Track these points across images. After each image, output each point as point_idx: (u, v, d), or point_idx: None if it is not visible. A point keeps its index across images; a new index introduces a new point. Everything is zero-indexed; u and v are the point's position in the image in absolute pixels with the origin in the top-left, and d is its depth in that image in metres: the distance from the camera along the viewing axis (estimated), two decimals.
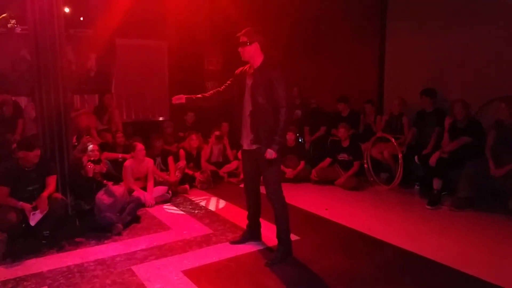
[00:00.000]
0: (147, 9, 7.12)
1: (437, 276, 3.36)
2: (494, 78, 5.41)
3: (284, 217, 3.61)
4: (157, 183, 5.49)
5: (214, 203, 5.36)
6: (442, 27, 5.96)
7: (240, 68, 3.72)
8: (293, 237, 3.78)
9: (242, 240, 3.95)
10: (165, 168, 5.93)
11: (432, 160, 5.09)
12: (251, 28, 3.53)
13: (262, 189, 3.81)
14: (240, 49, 3.54)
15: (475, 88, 5.54)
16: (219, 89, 3.84)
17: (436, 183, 5.12)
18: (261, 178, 3.73)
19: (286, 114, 3.41)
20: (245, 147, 3.67)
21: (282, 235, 3.64)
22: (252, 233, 3.98)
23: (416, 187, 5.80)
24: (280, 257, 3.58)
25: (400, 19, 6.57)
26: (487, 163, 4.84)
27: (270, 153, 3.40)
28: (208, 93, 3.89)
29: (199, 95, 3.86)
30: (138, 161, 5.34)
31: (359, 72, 7.23)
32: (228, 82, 3.81)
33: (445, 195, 5.16)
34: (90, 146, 4.83)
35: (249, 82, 3.55)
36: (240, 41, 3.51)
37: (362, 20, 7.13)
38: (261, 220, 4.00)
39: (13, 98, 6.12)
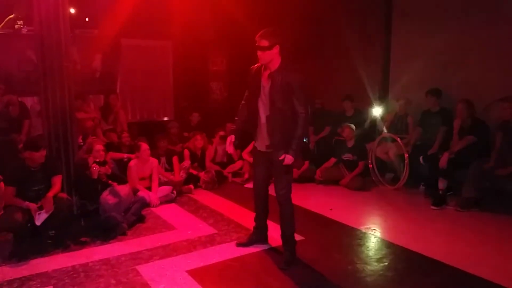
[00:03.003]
0: (152, 9, 7.14)
1: (442, 276, 3.35)
2: (499, 77, 5.37)
3: (291, 219, 3.62)
4: (161, 183, 5.51)
5: (218, 203, 5.37)
6: (447, 27, 5.92)
7: (254, 67, 3.56)
8: (298, 237, 3.77)
9: (249, 243, 3.92)
10: (169, 168, 5.94)
11: (443, 163, 5.04)
12: (269, 30, 3.37)
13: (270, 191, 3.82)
14: (259, 53, 3.35)
15: (480, 88, 5.50)
16: (243, 102, 3.71)
17: (442, 183, 5.10)
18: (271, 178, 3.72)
19: (304, 120, 3.35)
20: (261, 149, 3.61)
21: (288, 236, 3.64)
22: (259, 236, 3.96)
23: (421, 187, 5.77)
24: (291, 257, 3.58)
25: (405, 19, 6.54)
26: (492, 163, 4.81)
27: (288, 159, 3.35)
28: (239, 114, 3.72)
29: (237, 119, 3.73)
30: (143, 161, 5.35)
31: (364, 72, 7.19)
32: (246, 93, 3.69)
33: (450, 195, 5.13)
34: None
35: (265, 84, 3.43)
36: (261, 45, 3.31)
37: (367, 19, 7.10)
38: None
39: (19, 99, 6.15)
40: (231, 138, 3.65)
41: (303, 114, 3.35)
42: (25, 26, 6.42)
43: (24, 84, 6.56)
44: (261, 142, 3.58)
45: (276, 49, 3.34)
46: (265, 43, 3.31)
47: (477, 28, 5.60)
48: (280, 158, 3.38)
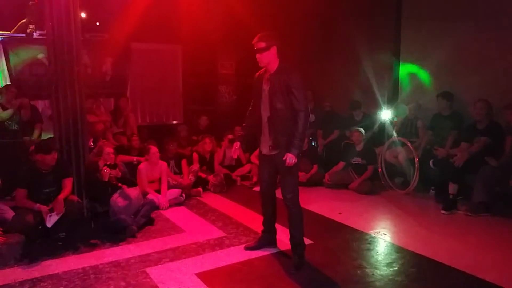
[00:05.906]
0: (162, 13, 7.19)
1: (453, 281, 3.32)
2: (510, 80, 5.32)
3: (300, 222, 3.61)
4: (170, 186, 5.53)
5: (227, 206, 5.37)
6: (458, 29, 5.87)
7: (257, 74, 3.68)
8: (307, 241, 3.76)
9: (257, 246, 3.92)
10: (178, 171, 5.97)
11: (459, 160, 4.96)
12: (266, 33, 3.47)
13: (277, 194, 3.80)
14: (258, 56, 3.46)
15: (492, 92, 5.44)
16: (250, 109, 3.78)
17: (452, 188, 5.05)
18: (277, 182, 3.72)
19: (304, 118, 3.38)
20: (264, 152, 3.65)
21: (297, 240, 3.63)
22: (268, 239, 3.95)
23: (432, 191, 5.72)
24: (300, 261, 3.57)
25: (415, 22, 6.51)
26: (503, 167, 4.75)
27: (290, 158, 3.36)
28: (246, 119, 3.82)
29: (244, 125, 3.85)
30: (152, 164, 5.39)
31: (373, 75, 7.17)
32: (252, 101, 3.77)
33: (460, 200, 5.08)
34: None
35: (266, 87, 3.51)
36: (258, 47, 3.43)
37: (377, 22, 7.08)
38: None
39: (31, 102, 6.23)
40: (237, 145, 3.77)
41: (302, 112, 3.38)
42: (36, 31, 6.50)
43: (35, 88, 6.62)
44: (265, 144, 3.61)
45: (274, 50, 3.44)
46: (262, 44, 3.42)
47: (487, 31, 5.55)
48: (283, 159, 3.39)
